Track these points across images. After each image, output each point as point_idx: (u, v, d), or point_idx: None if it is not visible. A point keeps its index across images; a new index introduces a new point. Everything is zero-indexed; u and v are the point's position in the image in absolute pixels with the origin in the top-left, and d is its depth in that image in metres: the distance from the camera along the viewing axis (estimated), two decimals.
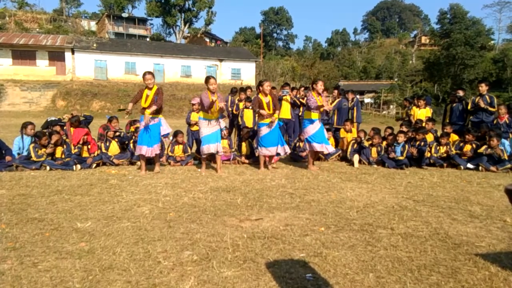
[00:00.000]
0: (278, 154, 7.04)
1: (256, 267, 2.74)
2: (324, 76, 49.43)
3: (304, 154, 8.08)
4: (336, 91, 9.68)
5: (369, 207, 4.41)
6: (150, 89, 6.38)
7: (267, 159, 7.11)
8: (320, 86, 6.89)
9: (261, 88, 6.82)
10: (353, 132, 8.57)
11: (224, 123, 6.83)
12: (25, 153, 6.78)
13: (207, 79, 6.53)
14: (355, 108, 9.48)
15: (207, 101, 6.33)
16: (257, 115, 7.09)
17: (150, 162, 6.90)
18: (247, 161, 7.71)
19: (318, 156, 7.46)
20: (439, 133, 8.38)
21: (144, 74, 6.42)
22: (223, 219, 3.85)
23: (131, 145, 7.50)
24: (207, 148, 6.56)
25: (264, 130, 6.84)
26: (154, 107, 6.31)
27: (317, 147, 6.93)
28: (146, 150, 6.39)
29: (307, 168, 7.08)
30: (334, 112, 9.26)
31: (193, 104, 8.19)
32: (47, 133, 6.92)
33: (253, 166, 7.32)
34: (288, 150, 7.19)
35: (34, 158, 6.59)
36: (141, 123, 6.48)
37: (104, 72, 34.91)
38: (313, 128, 6.92)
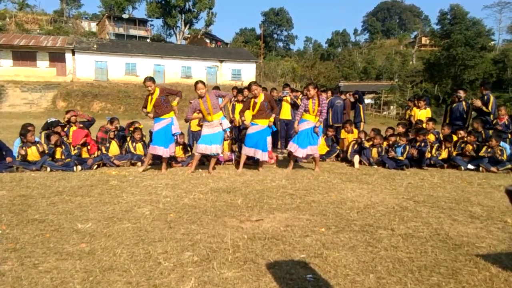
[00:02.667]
0: (254, 158, 6.94)
1: (257, 268, 2.74)
2: (325, 77, 49.51)
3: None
4: (329, 92, 9.73)
5: (369, 208, 4.41)
6: (152, 93, 6.52)
7: (272, 159, 7.12)
8: (309, 91, 6.74)
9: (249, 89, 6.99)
10: (354, 132, 8.58)
11: (227, 123, 6.76)
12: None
13: (195, 84, 6.55)
14: (361, 107, 9.54)
15: (204, 106, 6.43)
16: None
17: (153, 163, 6.99)
18: (248, 162, 7.70)
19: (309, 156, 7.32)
20: (440, 135, 8.41)
21: (144, 81, 6.54)
22: (223, 220, 3.85)
23: (130, 145, 7.50)
24: (203, 148, 6.56)
25: (248, 130, 6.91)
26: (178, 99, 6.63)
27: (289, 145, 7.01)
28: (163, 151, 6.54)
29: (308, 169, 7.09)
30: (327, 111, 9.24)
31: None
32: (32, 129, 6.86)
33: (253, 167, 7.32)
34: (265, 158, 6.90)
35: (18, 158, 6.59)
36: (154, 125, 6.61)
37: (104, 73, 34.93)
38: (299, 128, 6.90)
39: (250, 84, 7.00)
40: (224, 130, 6.67)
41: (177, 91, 6.84)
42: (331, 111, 9.34)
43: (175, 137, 6.92)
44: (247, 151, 6.84)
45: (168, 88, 6.80)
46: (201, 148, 6.59)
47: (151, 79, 6.58)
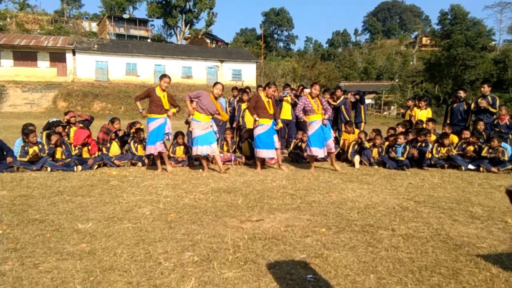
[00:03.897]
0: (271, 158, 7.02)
1: (257, 268, 2.74)
2: (325, 77, 49.50)
3: (305, 154, 8.09)
4: (339, 90, 9.69)
5: (370, 208, 4.40)
6: (164, 91, 6.58)
7: (271, 160, 7.13)
8: (314, 90, 6.85)
9: (266, 89, 6.96)
10: (355, 133, 8.58)
11: (215, 127, 6.83)
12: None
13: (215, 84, 6.75)
14: (362, 107, 9.54)
15: (205, 102, 6.49)
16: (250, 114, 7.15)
17: (154, 163, 7.00)
18: (249, 162, 7.70)
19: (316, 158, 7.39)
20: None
21: (165, 76, 6.60)
22: (224, 220, 3.85)
23: (132, 146, 7.50)
24: (196, 149, 6.61)
25: (258, 130, 6.85)
26: (177, 108, 6.80)
27: (310, 151, 6.98)
28: (151, 148, 6.57)
29: (308, 169, 7.08)
30: (342, 109, 9.22)
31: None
32: (34, 130, 6.89)
33: (253, 167, 7.32)
34: (274, 155, 6.99)
35: (19, 158, 6.57)
36: (149, 124, 6.59)
37: (105, 73, 34.97)
38: (310, 130, 6.93)
39: (269, 84, 7.09)
40: (214, 132, 6.75)
41: (177, 105, 6.91)
42: (344, 109, 9.32)
43: (167, 136, 6.91)
44: (263, 152, 6.85)
45: (173, 98, 6.82)
46: (194, 151, 6.66)
47: (170, 78, 6.73)
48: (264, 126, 6.86)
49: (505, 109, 8.15)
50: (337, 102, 9.03)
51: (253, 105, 6.91)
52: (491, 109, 8.11)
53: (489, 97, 8.16)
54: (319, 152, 6.86)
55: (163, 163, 6.82)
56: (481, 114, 8.26)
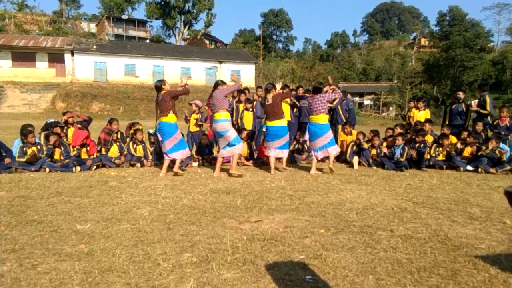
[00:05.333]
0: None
1: (256, 269, 2.74)
2: (324, 78, 49.51)
3: (303, 157, 8.10)
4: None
5: (368, 209, 4.41)
6: None
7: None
8: (326, 89, 7.07)
9: (272, 91, 7.05)
10: (353, 134, 8.58)
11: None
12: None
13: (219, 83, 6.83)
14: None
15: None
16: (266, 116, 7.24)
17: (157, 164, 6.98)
18: (248, 163, 7.70)
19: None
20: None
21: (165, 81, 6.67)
22: (222, 221, 3.84)
23: (131, 147, 7.49)
24: (241, 147, 6.62)
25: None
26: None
27: (320, 154, 6.97)
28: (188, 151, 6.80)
29: (308, 170, 7.08)
30: (338, 110, 9.21)
31: (191, 104, 8.45)
32: (33, 131, 6.88)
33: (252, 168, 7.32)
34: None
35: (17, 158, 6.54)
36: (177, 132, 6.49)
37: (103, 74, 34.94)
38: (330, 133, 6.98)
39: (270, 86, 7.24)
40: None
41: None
42: (341, 110, 9.31)
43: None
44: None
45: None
46: (239, 147, 6.55)
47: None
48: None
49: (506, 110, 8.11)
50: (333, 103, 9.03)
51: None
52: (482, 111, 8.10)
53: (481, 98, 8.19)
54: (329, 151, 6.89)
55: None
56: (482, 116, 8.28)
